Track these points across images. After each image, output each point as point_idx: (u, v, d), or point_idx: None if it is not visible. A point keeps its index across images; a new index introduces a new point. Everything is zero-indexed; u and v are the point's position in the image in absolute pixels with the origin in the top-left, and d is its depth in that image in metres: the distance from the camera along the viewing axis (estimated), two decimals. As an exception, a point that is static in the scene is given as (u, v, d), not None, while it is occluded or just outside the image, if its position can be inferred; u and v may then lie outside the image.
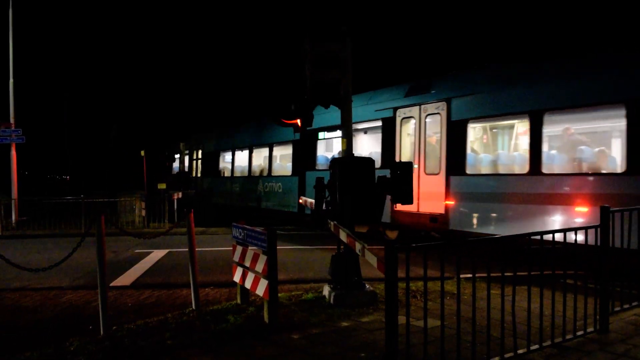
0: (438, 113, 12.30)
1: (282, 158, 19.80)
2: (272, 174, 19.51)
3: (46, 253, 13.07)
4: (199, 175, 27.00)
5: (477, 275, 4.77)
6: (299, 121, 7.99)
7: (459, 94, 11.87)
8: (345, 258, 7.50)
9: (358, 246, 6.52)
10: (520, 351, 4.88)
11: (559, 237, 5.21)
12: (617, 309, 6.26)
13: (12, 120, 20.70)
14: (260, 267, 6.54)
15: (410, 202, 7.50)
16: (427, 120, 12.68)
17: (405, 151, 13.43)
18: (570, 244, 5.39)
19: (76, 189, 27.81)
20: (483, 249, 4.75)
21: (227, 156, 23.96)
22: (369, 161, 7.80)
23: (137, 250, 13.38)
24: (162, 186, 23.47)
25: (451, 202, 11.78)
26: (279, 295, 7.20)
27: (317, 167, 16.58)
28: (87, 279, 9.71)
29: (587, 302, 5.55)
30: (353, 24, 7.94)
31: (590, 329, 5.57)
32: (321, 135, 16.66)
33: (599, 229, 5.61)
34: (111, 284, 9.20)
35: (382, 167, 12.80)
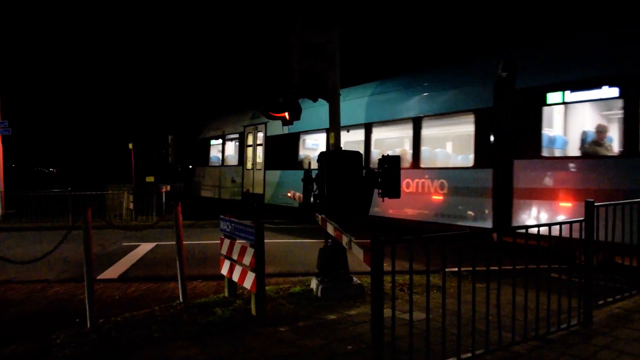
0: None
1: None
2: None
3: (33, 246, 12.98)
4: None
5: (462, 269, 4.82)
6: (286, 114, 7.98)
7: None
8: (332, 251, 7.53)
9: (345, 239, 6.55)
10: (505, 343, 4.93)
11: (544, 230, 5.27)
12: (600, 302, 6.33)
13: (-2, 112, 20.49)
14: (247, 260, 6.55)
15: (398, 196, 7.53)
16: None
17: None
18: (555, 237, 5.44)
19: (68, 181, 27.50)
20: (470, 242, 4.78)
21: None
22: (356, 155, 7.81)
23: (124, 243, 13.32)
24: (150, 179, 23.38)
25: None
26: (267, 288, 7.21)
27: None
28: (74, 272, 9.66)
29: (571, 295, 5.62)
30: (343, 15, 7.92)
31: (574, 322, 5.63)
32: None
33: (583, 223, 5.66)
34: (98, 277, 9.17)
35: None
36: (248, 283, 6.52)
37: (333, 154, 7.78)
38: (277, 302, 7.05)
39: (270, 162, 18.38)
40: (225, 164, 22.09)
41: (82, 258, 6.46)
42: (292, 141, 17.00)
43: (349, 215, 7.60)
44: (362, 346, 5.25)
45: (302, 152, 17.00)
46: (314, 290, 7.49)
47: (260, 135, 19.04)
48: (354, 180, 7.56)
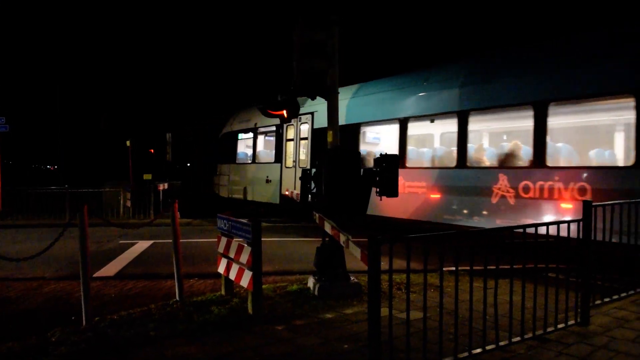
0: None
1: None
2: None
3: (29, 243, 12.94)
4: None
5: (460, 268, 4.80)
6: (285, 112, 7.96)
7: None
8: (330, 250, 7.52)
9: (343, 238, 6.54)
10: (502, 343, 4.92)
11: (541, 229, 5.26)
12: (598, 302, 6.33)
13: (-5, 109, 20.44)
14: (244, 258, 6.53)
15: (396, 194, 7.52)
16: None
17: None
18: (553, 237, 5.43)
19: (66, 179, 27.43)
20: (466, 241, 4.77)
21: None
22: (355, 154, 7.81)
23: (121, 241, 13.29)
24: (148, 177, 23.33)
25: None
26: (264, 286, 7.20)
27: None
28: (71, 270, 9.63)
29: (568, 295, 5.61)
30: (343, 13, 7.90)
31: (571, 322, 5.63)
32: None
33: (581, 223, 5.65)
34: (95, 275, 9.14)
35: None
36: (245, 281, 6.51)
37: (331, 153, 7.76)
38: (274, 301, 7.03)
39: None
40: (257, 161, 19.32)
41: (79, 255, 6.44)
42: (350, 134, 14.14)
43: (347, 214, 7.59)
44: (359, 345, 5.24)
45: (363, 148, 14.35)
46: (311, 288, 7.48)
47: (305, 127, 16.27)
48: (351, 179, 7.55)
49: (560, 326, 5.49)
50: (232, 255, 6.95)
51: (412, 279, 5.84)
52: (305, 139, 16.25)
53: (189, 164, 40.25)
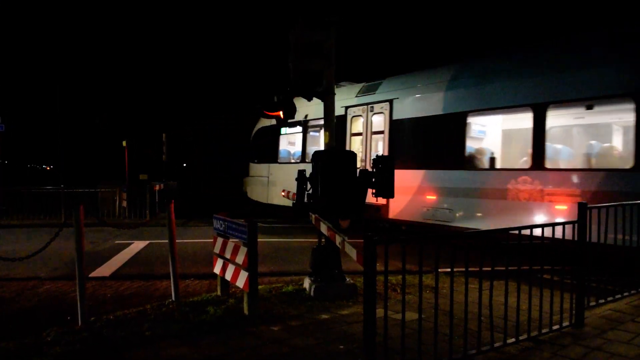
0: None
1: None
2: None
3: (25, 243, 12.90)
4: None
5: (455, 269, 4.81)
6: (281, 113, 7.97)
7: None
8: (326, 251, 7.52)
9: (338, 239, 6.55)
10: (497, 344, 4.93)
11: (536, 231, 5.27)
12: (592, 303, 6.35)
13: (-9, 108, 20.39)
14: (240, 259, 6.53)
15: (392, 195, 7.54)
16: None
17: None
18: (548, 238, 5.44)
19: (63, 178, 27.36)
20: (462, 243, 4.79)
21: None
22: (350, 154, 7.83)
23: (117, 241, 13.26)
24: (144, 177, 23.28)
25: None
26: (260, 287, 7.19)
27: None
28: (66, 270, 9.62)
29: (563, 296, 5.63)
30: (341, 14, 7.91)
31: (565, 323, 5.64)
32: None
33: (576, 225, 5.68)
34: (90, 275, 9.13)
35: None
36: (241, 282, 6.51)
37: (327, 153, 7.77)
38: (269, 302, 7.03)
39: (402, 157, 12.36)
40: (308, 160, 15.33)
41: (74, 255, 6.44)
42: (450, 126, 11.47)
43: (342, 215, 7.60)
44: (354, 346, 5.24)
45: (470, 144, 11.42)
46: (307, 289, 7.48)
47: (379, 118, 13.48)
48: (347, 180, 7.56)
49: (555, 327, 5.51)
50: (228, 255, 6.95)
51: (408, 280, 5.85)
52: (380, 132, 13.43)
53: (185, 164, 40.23)
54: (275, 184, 17.30)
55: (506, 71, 10.74)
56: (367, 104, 13.85)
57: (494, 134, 12.14)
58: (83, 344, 5.47)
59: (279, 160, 17.64)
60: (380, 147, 13.71)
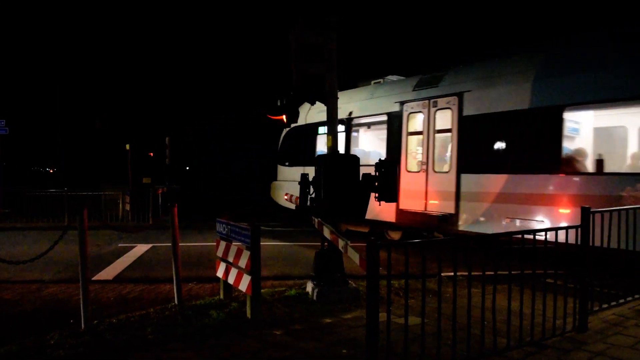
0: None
1: None
2: None
3: (28, 246, 12.93)
4: None
5: (458, 273, 4.81)
6: (284, 117, 7.99)
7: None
8: (328, 255, 7.53)
9: (341, 243, 6.56)
10: (500, 349, 4.93)
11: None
12: (596, 308, 6.32)
13: (-5, 111, 20.48)
14: (243, 262, 6.54)
15: (394, 200, 7.57)
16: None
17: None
18: (551, 243, 5.44)
19: (65, 181, 27.39)
20: (464, 247, 4.79)
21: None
22: (353, 158, 7.83)
23: (120, 244, 13.28)
24: (147, 180, 23.31)
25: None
26: (262, 291, 7.20)
27: None
28: (69, 273, 9.64)
29: (566, 301, 5.62)
30: (341, 18, 7.93)
31: (569, 328, 5.63)
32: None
33: (579, 229, 5.67)
34: (93, 278, 9.14)
35: None
36: (244, 286, 6.51)
37: (330, 157, 7.78)
38: (272, 305, 7.04)
39: (475, 159, 10.88)
40: None
41: (77, 259, 6.45)
42: (541, 123, 9.77)
43: (345, 219, 7.61)
44: (357, 350, 5.24)
45: (567, 144, 9.73)
46: (310, 293, 7.48)
47: (445, 115, 11.71)
48: (350, 184, 7.57)
49: (558, 332, 5.50)
50: (230, 259, 6.96)
51: (411, 284, 5.84)
52: (446, 131, 11.66)
53: (187, 167, 40.26)
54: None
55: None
56: (428, 98, 12.06)
57: (602, 131, 10.47)
58: (86, 348, 5.48)
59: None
60: (443, 148, 11.96)
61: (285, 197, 10.38)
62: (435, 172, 11.73)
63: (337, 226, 7.27)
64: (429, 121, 12.02)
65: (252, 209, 18.42)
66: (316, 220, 7.45)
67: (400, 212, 12.36)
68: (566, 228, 5.62)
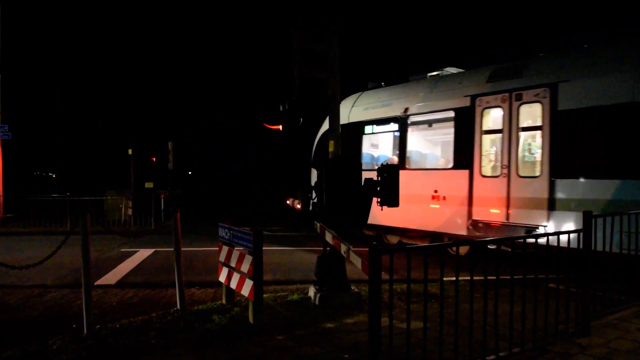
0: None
1: None
2: None
3: (31, 251, 12.95)
4: None
5: (460, 278, 4.82)
6: (280, 127, 8.04)
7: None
8: (330, 259, 7.53)
9: (343, 248, 6.57)
10: (502, 353, 4.92)
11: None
12: (598, 313, 6.32)
13: (-2, 117, 20.54)
14: (245, 267, 6.55)
15: (396, 204, 7.55)
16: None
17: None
18: (553, 247, 5.44)
19: (67, 186, 27.46)
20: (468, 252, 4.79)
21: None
22: (355, 163, 7.84)
23: (122, 249, 13.30)
24: (149, 185, 23.36)
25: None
26: (265, 296, 7.20)
27: None
28: (72, 278, 9.65)
29: (568, 305, 5.61)
30: (343, 23, 7.96)
31: (571, 332, 5.62)
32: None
33: (581, 234, 5.67)
34: (96, 283, 9.15)
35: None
36: (246, 290, 6.52)
37: (332, 162, 7.80)
38: (274, 310, 7.04)
39: (576, 161, 9.33)
40: (408, 167, 12.69)
41: (80, 263, 6.46)
42: (608, 122, 8.88)
43: (347, 224, 7.61)
44: (359, 355, 5.24)
45: None
46: (312, 298, 7.49)
47: (532, 111, 10.21)
48: (352, 189, 7.58)
49: (560, 336, 5.49)
50: (233, 264, 6.97)
51: (413, 289, 5.84)
52: (535, 128, 10.16)
53: (190, 172, 40.32)
54: None
55: None
56: (509, 90, 10.44)
57: None
58: (89, 352, 5.49)
59: (362, 167, 13.56)
60: (530, 147, 10.37)
61: (288, 201, 10.38)
62: (520, 176, 10.12)
63: (338, 230, 7.28)
64: (511, 117, 10.39)
65: (252, 209, 18.40)
66: (318, 224, 7.46)
67: (473, 224, 10.81)
68: (568, 232, 5.62)
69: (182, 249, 7.77)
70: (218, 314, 6.86)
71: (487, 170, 10.87)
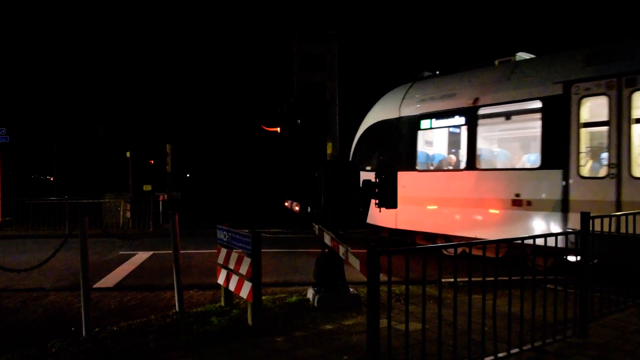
0: None
1: None
2: None
3: (29, 254, 12.93)
4: None
5: (459, 279, 4.83)
6: (278, 129, 8.05)
7: None
8: (329, 261, 7.54)
9: (342, 249, 6.56)
10: (500, 354, 4.93)
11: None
12: (596, 314, 6.33)
13: (-5, 120, 20.53)
14: (244, 269, 6.55)
15: (395, 206, 7.56)
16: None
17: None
18: (550, 248, 5.44)
19: (64, 189, 27.43)
20: (466, 253, 4.80)
21: None
22: (353, 165, 7.85)
23: (121, 252, 13.28)
24: (148, 188, 23.34)
25: None
26: (263, 298, 7.21)
27: None
28: (71, 281, 9.64)
29: (567, 306, 5.63)
30: (341, 27, 8.00)
31: (569, 334, 5.64)
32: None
33: (579, 235, 5.68)
34: (94, 286, 9.14)
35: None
36: (245, 292, 6.52)
37: (329, 164, 7.80)
38: (273, 312, 7.04)
39: None
40: (480, 167, 11.10)
41: (79, 266, 6.46)
42: None
43: (345, 226, 7.61)
44: (358, 356, 5.25)
45: None
46: (311, 300, 7.49)
47: None
48: (350, 191, 7.58)
49: (558, 338, 5.50)
50: (231, 266, 6.97)
51: (411, 291, 5.85)
52: None
53: (188, 175, 40.34)
54: (415, 200, 11.94)
55: None
56: (616, 75, 8.94)
57: None
58: (88, 355, 5.48)
59: (417, 167, 12.26)
60: None
61: (286, 203, 10.37)
62: (634, 177, 8.60)
63: (337, 233, 7.28)
64: (620, 107, 8.88)
65: (251, 210, 18.43)
66: (317, 226, 7.46)
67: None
68: (566, 234, 5.63)
69: (181, 251, 7.77)
70: (217, 316, 6.86)
71: (588, 170, 9.42)
